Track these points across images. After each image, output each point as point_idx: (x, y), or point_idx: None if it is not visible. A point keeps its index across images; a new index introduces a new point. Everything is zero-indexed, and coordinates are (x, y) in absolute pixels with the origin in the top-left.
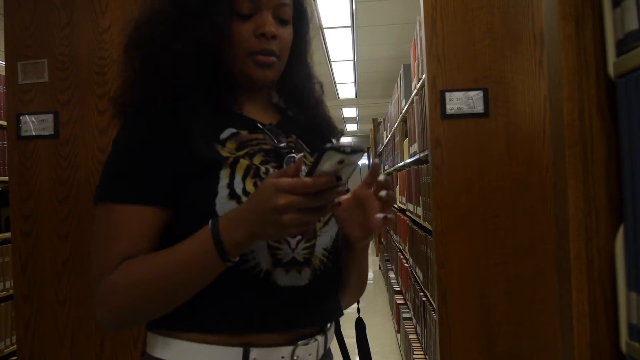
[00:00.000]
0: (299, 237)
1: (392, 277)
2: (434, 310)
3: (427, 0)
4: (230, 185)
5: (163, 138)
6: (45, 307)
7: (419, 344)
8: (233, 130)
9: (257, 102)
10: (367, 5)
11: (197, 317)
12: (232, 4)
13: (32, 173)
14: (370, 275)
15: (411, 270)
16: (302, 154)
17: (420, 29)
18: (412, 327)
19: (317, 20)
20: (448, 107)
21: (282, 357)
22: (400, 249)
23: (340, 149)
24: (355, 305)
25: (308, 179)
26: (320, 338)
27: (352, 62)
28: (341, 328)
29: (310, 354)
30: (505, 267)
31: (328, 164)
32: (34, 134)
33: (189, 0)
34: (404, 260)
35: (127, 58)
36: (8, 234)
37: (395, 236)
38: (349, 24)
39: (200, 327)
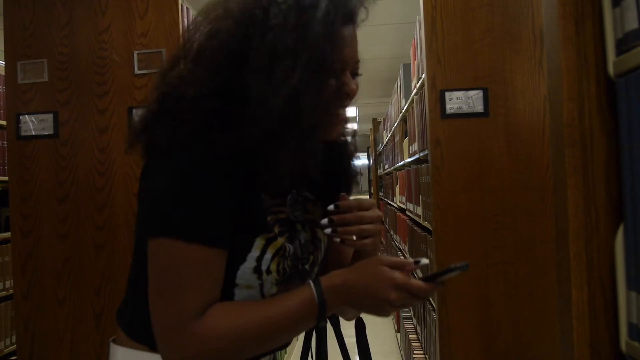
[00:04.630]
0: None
1: None
2: (433, 310)
3: (427, 0)
4: (259, 259)
5: (233, 186)
6: (45, 307)
7: (418, 344)
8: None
9: None
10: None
11: None
12: (329, 64)
13: (31, 173)
14: None
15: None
16: (427, 261)
17: (420, 29)
18: (412, 326)
19: None
20: (448, 106)
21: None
22: (400, 249)
23: (463, 268)
24: None
25: (425, 285)
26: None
27: None
28: (341, 328)
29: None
30: (505, 266)
31: (447, 277)
32: (33, 133)
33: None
34: None
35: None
36: (8, 234)
37: (395, 236)
38: None
39: None
